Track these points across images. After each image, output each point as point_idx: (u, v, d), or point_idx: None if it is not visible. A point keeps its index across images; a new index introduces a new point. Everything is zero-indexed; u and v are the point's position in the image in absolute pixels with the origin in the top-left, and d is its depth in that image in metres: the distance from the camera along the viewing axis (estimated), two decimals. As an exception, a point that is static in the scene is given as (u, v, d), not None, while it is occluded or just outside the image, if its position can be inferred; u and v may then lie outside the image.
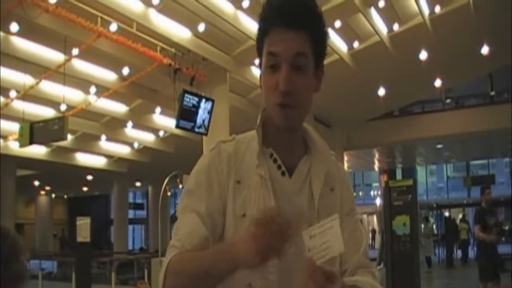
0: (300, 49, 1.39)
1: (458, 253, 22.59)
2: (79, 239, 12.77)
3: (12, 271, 1.23)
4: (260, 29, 1.45)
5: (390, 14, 10.84)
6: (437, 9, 10.85)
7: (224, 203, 1.45)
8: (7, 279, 1.22)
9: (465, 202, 28.14)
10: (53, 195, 30.27)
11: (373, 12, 10.45)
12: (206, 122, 10.46)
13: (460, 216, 26.23)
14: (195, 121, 10.31)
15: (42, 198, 29.83)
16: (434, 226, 27.12)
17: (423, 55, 11.28)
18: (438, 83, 13.69)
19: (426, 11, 10.82)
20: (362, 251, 1.52)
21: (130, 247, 28.84)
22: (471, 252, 20.62)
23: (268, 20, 1.41)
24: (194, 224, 1.41)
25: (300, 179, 1.49)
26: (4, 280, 1.21)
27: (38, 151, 15.37)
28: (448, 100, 18.56)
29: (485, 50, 11.61)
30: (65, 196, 33.18)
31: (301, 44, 1.40)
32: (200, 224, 1.41)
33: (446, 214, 28.59)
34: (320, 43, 1.45)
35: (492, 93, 18.02)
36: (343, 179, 1.59)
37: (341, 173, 1.60)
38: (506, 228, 26.96)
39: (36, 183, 24.39)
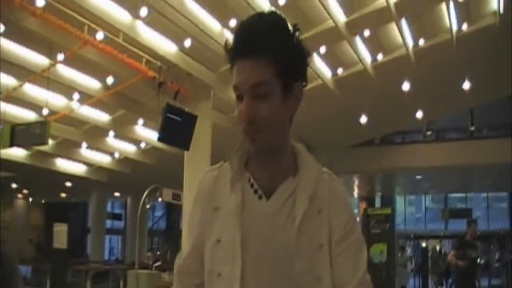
0: (256, 80, 1.40)
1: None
2: (56, 245, 12.65)
3: None
4: (229, 61, 1.47)
5: (375, 43, 11.02)
6: (421, 42, 11.06)
7: (203, 230, 1.54)
8: None
9: (442, 234, 28.32)
10: (30, 199, 29.98)
11: (358, 40, 10.63)
12: (188, 137, 10.50)
13: (438, 247, 26.46)
14: (177, 136, 10.34)
15: (19, 202, 29.53)
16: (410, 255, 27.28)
17: (406, 86, 11.48)
18: (419, 114, 13.88)
19: (410, 43, 11.02)
20: (357, 280, 1.49)
21: (106, 257, 28.60)
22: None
23: (231, 54, 1.44)
24: (187, 256, 1.62)
25: (280, 202, 1.47)
26: None
27: (17, 153, 15.28)
28: (428, 132, 18.77)
29: (466, 85, 11.83)
30: (43, 201, 32.85)
31: (258, 73, 1.40)
32: (191, 257, 1.61)
33: (423, 244, 28.72)
34: (286, 65, 1.42)
35: (472, 128, 18.27)
36: (336, 201, 1.52)
37: (334, 194, 1.53)
38: (482, 262, 27.16)
39: (14, 185, 24.20)
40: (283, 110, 1.44)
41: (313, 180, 1.50)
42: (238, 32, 1.43)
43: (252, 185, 1.50)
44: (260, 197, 1.49)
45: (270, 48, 1.39)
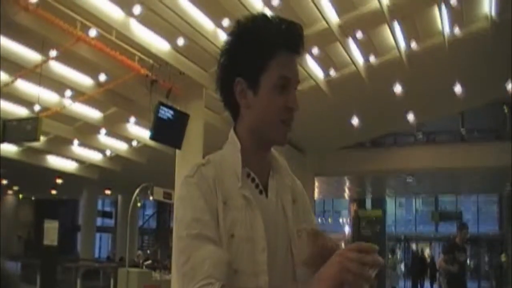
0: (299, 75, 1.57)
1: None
2: (46, 242, 12.60)
3: None
4: (262, 49, 1.50)
5: (367, 45, 11.06)
6: (413, 45, 11.10)
7: (217, 223, 1.46)
8: None
9: (432, 236, 28.47)
10: (20, 196, 29.87)
11: (350, 42, 10.66)
12: (180, 136, 10.49)
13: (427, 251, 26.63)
14: (169, 134, 10.34)
15: (9, 198, 29.42)
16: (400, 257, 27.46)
17: (397, 89, 11.51)
18: (411, 117, 13.94)
19: (402, 45, 11.06)
20: None
21: (96, 255, 28.54)
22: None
23: (277, 43, 1.50)
24: (214, 254, 1.40)
25: (273, 195, 1.56)
26: None
27: (8, 149, 15.22)
28: (419, 135, 18.84)
29: (457, 88, 11.89)
30: (33, 198, 32.73)
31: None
32: (219, 252, 1.41)
33: (413, 247, 28.86)
34: None
35: (463, 131, 18.36)
36: (301, 191, 1.68)
37: (298, 185, 1.68)
38: (472, 265, 27.37)
39: (4, 182, 24.10)
40: None
41: (288, 174, 1.64)
42: (289, 26, 1.53)
43: (253, 180, 1.54)
44: (260, 192, 1.54)
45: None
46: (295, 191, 1.64)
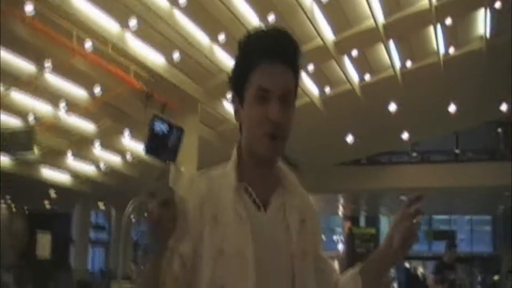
0: (289, 86, 1.46)
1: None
2: (39, 254, 12.50)
3: None
4: (244, 62, 1.48)
5: (363, 63, 11.11)
6: (409, 64, 11.15)
7: (199, 240, 1.42)
8: None
9: (425, 255, 28.40)
10: (13, 207, 29.66)
11: (346, 60, 10.70)
12: (175, 151, 10.44)
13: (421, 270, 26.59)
14: (163, 149, 10.29)
15: (2, 209, 29.22)
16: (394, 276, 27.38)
17: (392, 107, 11.56)
18: (405, 136, 13.97)
19: (397, 64, 11.11)
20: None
21: (89, 268, 28.32)
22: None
23: (256, 54, 1.44)
24: (182, 265, 1.40)
25: (275, 212, 1.49)
26: None
27: (1, 160, 15.12)
28: (414, 154, 18.86)
29: (452, 108, 11.93)
30: (26, 210, 32.51)
31: (289, 80, 1.46)
32: (186, 266, 1.40)
33: (407, 265, 28.78)
34: (299, 78, 1.51)
35: (457, 151, 18.41)
36: (312, 211, 1.61)
37: (310, 205, 1.61)
38: (465, 284, 27.23)
39: (-3, 192, 23.96)
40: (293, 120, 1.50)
41: (297, 191, 1.55)
42: (271, 34, 1.48)
43: (250, 195, 1.49)
44: (258, 208, 1.47)
45: (296, 62, 1.49)
46: (306, 210, 1.55)
